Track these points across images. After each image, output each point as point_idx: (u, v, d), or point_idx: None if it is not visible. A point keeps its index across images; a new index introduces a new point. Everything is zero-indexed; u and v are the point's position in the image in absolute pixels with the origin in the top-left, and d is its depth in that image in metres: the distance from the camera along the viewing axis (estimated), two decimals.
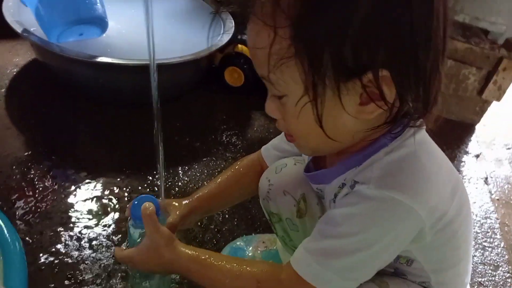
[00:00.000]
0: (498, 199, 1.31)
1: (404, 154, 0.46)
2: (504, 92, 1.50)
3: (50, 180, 0.99)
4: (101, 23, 1.09)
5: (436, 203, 0.46)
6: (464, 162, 1.45)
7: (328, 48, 0.39)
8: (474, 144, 1.56)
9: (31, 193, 0.94)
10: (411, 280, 0.56)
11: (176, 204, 0.68)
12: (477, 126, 1.65)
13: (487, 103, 1.58)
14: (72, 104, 1.26)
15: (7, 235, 0.71)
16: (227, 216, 0.99)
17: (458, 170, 1.40)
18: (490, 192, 1.33)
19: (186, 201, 0.69)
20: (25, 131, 1.13)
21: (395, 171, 0.46)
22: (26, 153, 1.05)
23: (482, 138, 1.62)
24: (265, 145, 0.74)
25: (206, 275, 0.55)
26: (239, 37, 1.37)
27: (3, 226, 0.72)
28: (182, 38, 1.38)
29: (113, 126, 1.21)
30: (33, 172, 1.00)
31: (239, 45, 1.36)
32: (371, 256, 0.46)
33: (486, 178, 1.38)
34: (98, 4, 1.08)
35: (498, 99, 1.53)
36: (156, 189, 1.02)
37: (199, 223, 0.95)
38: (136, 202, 0.60)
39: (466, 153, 1.50)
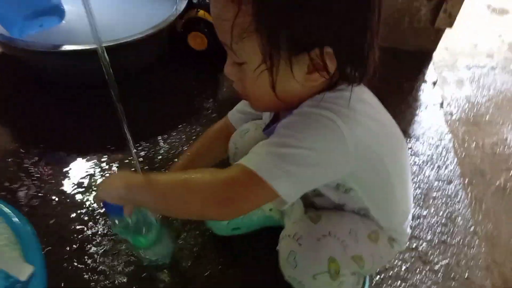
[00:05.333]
0: (459, 119, 1.44)
1: (335, 94, 0.55)
2: (454, 18, 1.56)
3: (44, 165, 1.09)
4: (57, 11, 1.12)
5: (362, 135, 0.53)
6: (422, 90, 1.55)
7: (284, 27, 0.49)
8: (431, 71, 1.66)
9: (30, 180, 1.04)
10: (350, 209, 0.66)
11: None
12: (436, 53, 1.74)
13: (440, 31, 1.65)
14: (48, 91, 1.32)
15: (18, 220, 0.82)
16: None
17: (417, 99, 1.51)
18: (451, 113, 1.46)
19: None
20: (9, 123, 1.21)
21: (326, 100, 0.54)
22: (16, 144, 1.14)
23: (443, 63, 1.71)
24: (231, 110, 0.85)
25: (160, 184, 0.57)
26: (195, 1, 1.41)
27: (12, 213, 0.83)
28: (142, 11, 1.41)
29: (90, 107, 1.28)
30: (26, 160, 1.09)
31: (198, 10, 1.40)
32: (303, 156, 0.51)
33: (442, 103, 1.50)
34: None
35: (450, 26, 1.59)
36: (142, 159, 1.13)
37: None
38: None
39: (424, 81, 1.60)
